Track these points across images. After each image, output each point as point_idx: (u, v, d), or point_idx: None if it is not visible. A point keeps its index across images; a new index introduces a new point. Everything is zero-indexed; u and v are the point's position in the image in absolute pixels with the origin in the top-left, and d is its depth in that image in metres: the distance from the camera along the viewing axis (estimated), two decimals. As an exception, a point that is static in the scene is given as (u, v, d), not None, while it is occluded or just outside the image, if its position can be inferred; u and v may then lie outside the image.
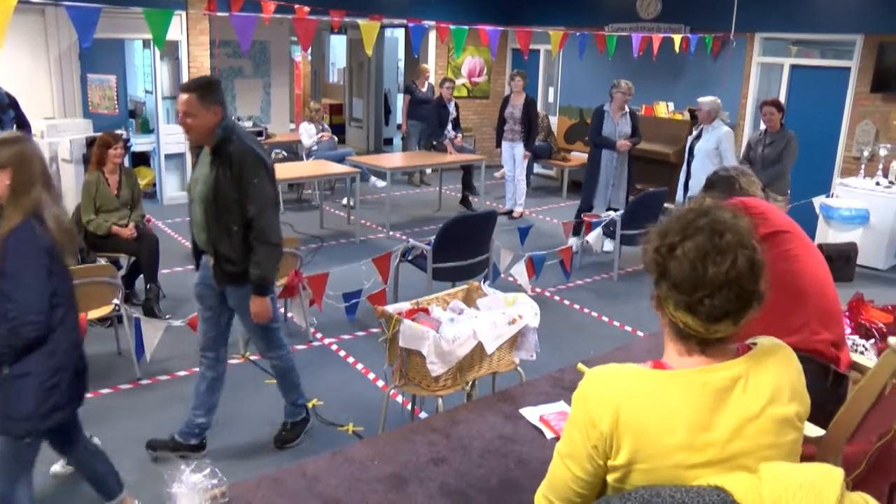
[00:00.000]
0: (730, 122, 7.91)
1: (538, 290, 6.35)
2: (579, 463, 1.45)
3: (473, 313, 3.28)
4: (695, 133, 6.84)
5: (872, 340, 3.62)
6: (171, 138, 8.89)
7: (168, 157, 9.06)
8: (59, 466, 3.50)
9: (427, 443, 2.39)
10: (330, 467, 2.23)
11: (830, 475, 1.31)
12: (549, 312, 5.62)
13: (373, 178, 9.33)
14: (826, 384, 2.51)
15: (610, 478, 1.43)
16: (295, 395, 3.89)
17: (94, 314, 4.49)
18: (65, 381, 2.69)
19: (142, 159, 9.45)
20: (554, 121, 11.38)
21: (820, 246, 6.25)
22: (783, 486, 1.27)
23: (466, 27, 8.07)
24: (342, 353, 5.03)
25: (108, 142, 5.43)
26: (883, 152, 7.56)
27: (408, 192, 10.36)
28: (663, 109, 9.82)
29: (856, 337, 3.59)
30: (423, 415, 3.76)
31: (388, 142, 14.04)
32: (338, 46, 15.92)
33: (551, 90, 12.02)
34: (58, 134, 7.38)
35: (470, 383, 3.20)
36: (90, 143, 6.56)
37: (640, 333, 5.48)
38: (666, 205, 7.01)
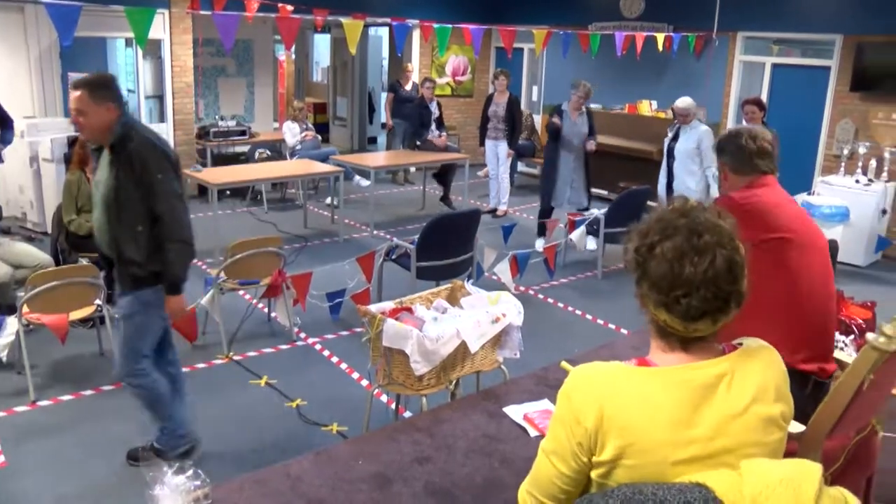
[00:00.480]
0: (710, 121, 7.95)
1: (522, 288, 6.36)
2: (564, 460, 1.46)
3: (457, 312, 3.28)
4: (671, 134, 6.80)
5: (852, 336, 3.67)
6: (154, 137, 8.81)
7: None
8: None
9: (411, 442, 2.40)
10: (314, 467, 2.23)
11: (809, 470, 1.33)
12: (533, 311, 5.64)
13: (357, 177, 9.31)
14: (805, 392, 2.49)
15: (594, 474, 1.44)
16: (167, 423, 3.54)
17: (76, 315, 4.46)
18: None
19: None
20: (538, 119, 11.40)
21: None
22: (763, 481, 1.29)
23: (450, 26, 8.07)
24: (326, 353, 5.02)
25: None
26: (862, 150, 7.66)
27: (392, 191, 10.35)
28: (646, 108, 9.89)
29: (836, 333, 3.63)
30: (407, 414, 3.75)
31: (372, 140, 14.01)
32: (321, 45, 15.87)
33: (535, 89, 12.04)
34: (38, 133, 7.30)
35: (454, 382, 3.20)
36: (71, 142, 6.49)
37: (623, 331, 5.50)
38: (649, 202, 7.04)
